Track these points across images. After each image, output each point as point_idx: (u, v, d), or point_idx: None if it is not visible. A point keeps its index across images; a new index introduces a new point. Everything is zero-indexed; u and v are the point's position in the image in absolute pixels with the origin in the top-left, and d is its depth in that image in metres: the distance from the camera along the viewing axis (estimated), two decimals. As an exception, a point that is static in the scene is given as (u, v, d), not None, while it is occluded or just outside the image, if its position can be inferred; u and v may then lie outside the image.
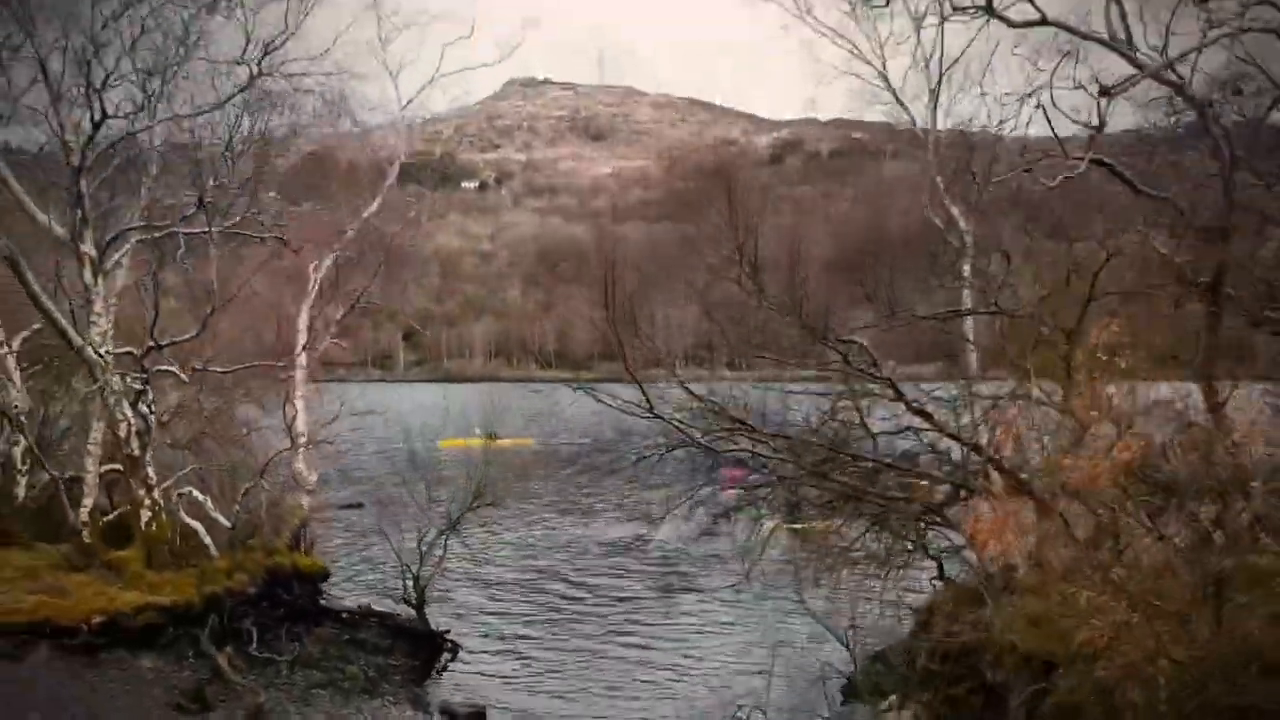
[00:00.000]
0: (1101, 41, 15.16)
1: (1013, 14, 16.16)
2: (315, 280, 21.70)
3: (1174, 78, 15.01)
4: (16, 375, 19.56)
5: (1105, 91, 15.27)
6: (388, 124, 23.71)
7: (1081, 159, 15.66)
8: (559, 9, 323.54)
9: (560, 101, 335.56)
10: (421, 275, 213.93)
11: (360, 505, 32.79)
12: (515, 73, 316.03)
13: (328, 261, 22.05)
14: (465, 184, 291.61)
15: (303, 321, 21.39)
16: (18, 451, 19.83)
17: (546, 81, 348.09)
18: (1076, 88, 15.91)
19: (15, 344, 19.60)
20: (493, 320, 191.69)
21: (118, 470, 18.73)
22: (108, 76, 16.86)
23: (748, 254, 15.45)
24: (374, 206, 22.48)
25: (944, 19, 18.73)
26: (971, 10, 16.56)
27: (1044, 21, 15.70)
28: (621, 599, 26.27)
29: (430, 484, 21.81)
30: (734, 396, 16.54)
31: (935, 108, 20.72)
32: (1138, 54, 15.09)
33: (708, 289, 18.87)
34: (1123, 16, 15.07)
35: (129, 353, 17.94)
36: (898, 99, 21.12)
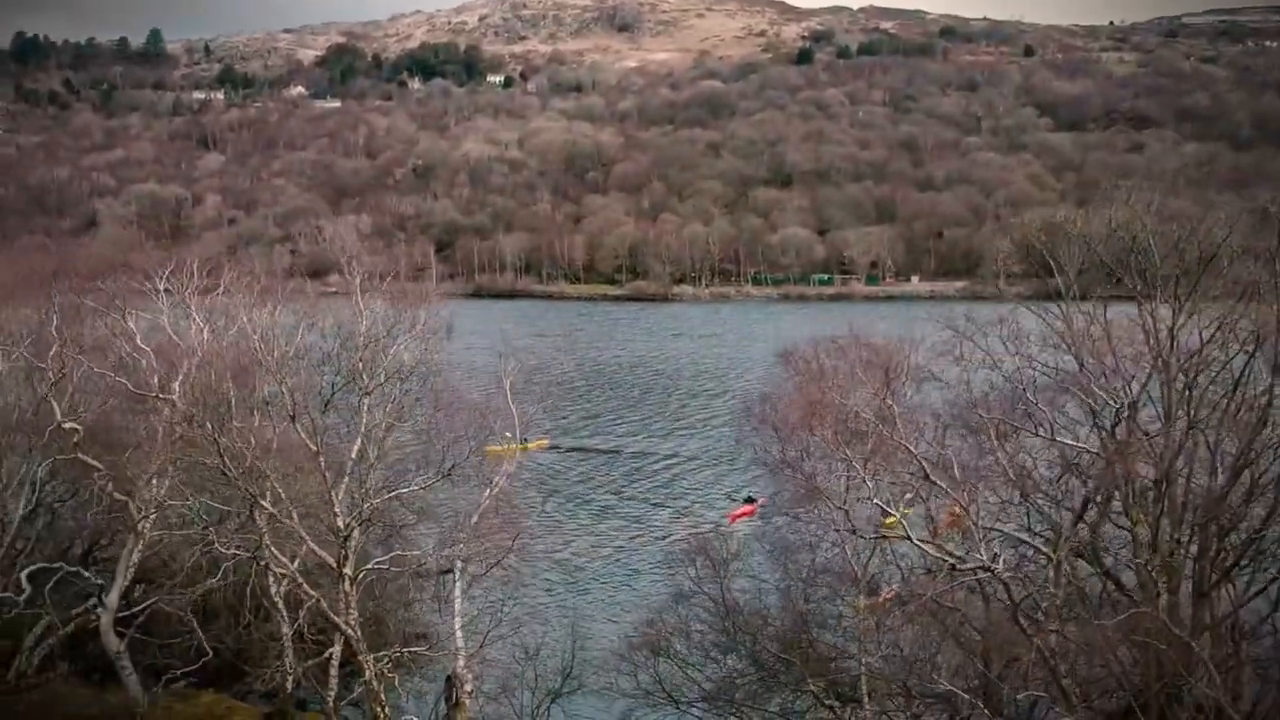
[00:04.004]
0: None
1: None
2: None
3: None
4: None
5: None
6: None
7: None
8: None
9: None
10: (450, 187, 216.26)
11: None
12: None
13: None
14: (491, 78, 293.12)
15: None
16: (288, 683, 29.04)
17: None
18: None
19: (288, 631, 28.49)
20: (523, 233, 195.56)
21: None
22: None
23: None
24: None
25: None
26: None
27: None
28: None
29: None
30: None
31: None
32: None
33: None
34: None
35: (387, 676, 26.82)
36: None
